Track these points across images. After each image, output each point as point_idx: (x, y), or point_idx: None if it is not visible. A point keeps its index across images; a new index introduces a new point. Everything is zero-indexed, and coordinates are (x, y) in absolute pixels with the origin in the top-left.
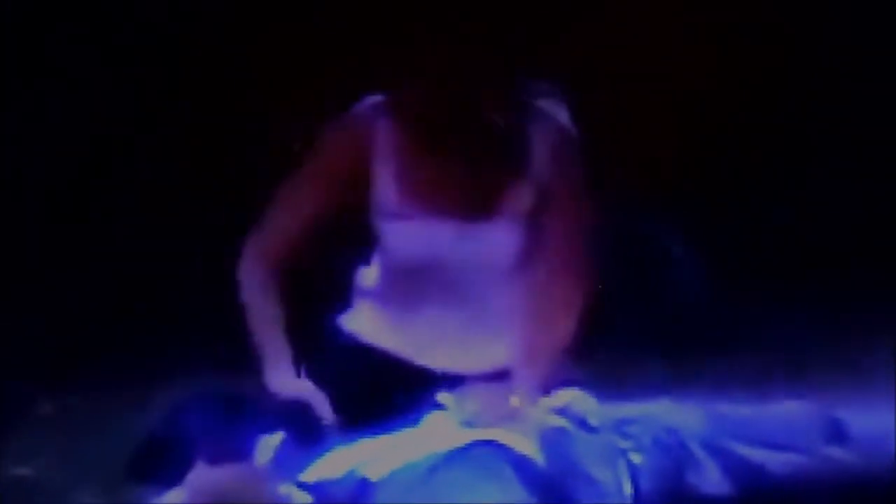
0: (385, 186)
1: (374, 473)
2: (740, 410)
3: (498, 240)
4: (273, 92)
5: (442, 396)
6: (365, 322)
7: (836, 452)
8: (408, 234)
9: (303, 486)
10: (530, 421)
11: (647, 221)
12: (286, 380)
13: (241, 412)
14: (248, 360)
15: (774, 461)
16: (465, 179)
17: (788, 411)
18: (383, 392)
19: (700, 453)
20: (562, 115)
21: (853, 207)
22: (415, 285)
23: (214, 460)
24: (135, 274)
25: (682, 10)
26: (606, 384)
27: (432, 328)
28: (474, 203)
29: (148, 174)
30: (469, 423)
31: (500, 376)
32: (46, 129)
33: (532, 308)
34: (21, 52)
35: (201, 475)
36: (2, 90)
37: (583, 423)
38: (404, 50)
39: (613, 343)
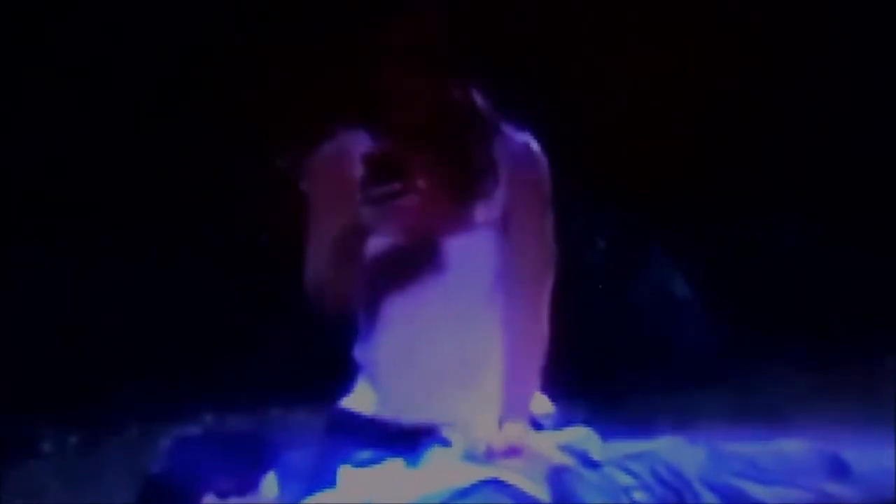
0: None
1: None
2: (742, 448)
3: (472, 247)
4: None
5: (444, 430)
6: (366, 399)
7: (837, 489)
8: (388, 251)
9: None
10: (535, 458)
11: (654, 260)
12: None
13: (247, 446)
14: (255, 395)
15: (776, 498)
16: (438, 193)
17: (790, 449)
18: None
19: (702, 490)
20: (525, 136)
21: (860, 249)
22: (405, 331)
23: (222, 494)
24: (138, 314)
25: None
26: (610, 422)
27: (434, 372)
28: (447, 215)
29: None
30: (471, 457)
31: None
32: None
33: (508, 316)
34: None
35: None
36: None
37: (587, 460)
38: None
39: (616, 381)
